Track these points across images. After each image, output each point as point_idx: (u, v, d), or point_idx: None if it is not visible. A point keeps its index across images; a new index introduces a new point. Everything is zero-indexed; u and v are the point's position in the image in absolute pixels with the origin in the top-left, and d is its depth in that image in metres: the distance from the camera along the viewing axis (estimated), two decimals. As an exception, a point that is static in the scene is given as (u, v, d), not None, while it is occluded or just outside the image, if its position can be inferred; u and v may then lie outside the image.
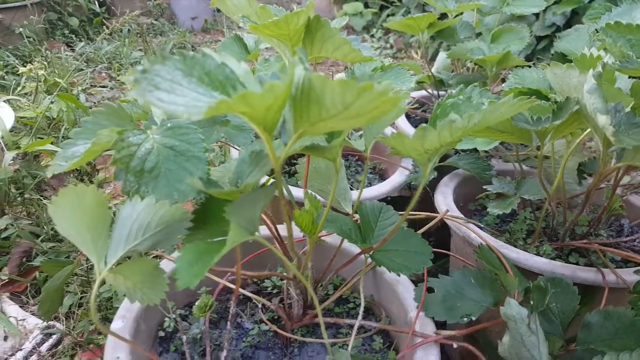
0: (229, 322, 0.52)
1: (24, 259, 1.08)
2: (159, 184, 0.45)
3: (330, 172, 0.70)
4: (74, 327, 0.94)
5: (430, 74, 1.05)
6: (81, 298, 0.99)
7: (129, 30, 2.72)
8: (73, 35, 2.72)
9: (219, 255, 0.38)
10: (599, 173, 0.61)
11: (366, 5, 3.25)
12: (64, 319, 0.96)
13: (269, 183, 0.46)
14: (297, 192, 0.82)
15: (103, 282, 0.45)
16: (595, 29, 0.70)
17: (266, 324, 0.61)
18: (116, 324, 0.56)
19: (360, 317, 0.57)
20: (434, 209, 0.80)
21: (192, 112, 0.27)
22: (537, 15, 2.04)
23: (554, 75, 0.57)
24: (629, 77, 0.66)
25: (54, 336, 0.90)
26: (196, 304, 0.56)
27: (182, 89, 0.31)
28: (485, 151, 0.94)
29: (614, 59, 0.67)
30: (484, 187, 0.77)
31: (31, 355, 0.87)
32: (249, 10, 0.56)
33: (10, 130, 1.34)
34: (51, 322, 0.93)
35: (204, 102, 0.30)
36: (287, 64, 0.43)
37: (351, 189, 0.86)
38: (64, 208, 0.41)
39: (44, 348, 0.88)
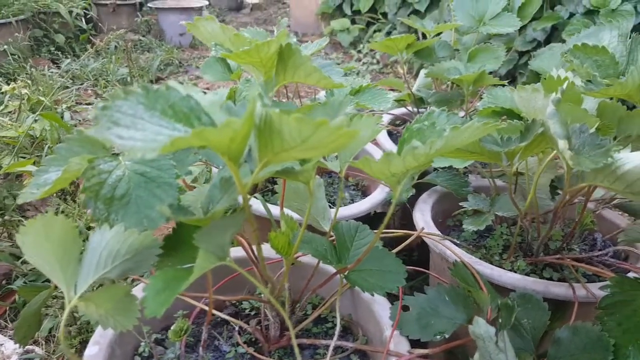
0: (201, 348, 0.52)
1: (4, 282, 1.07)
2: (129, 211, 0.45)
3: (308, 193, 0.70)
4: (54, 350, 0.93)
5: (410, 92, 1.06)
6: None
7: (115, 47, 2.73)
8: (59, 52, 2.72)
9: (187, 282, 0.39)
10: (565, 192, 0.63)
11: (353, 22, 3.29)
12: (43, 342, 0.95)
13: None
14: (277, 211, 0.83)
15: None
16: (563, 51, 0.72)
17: (243, 347, 0.61)
18: (91, 350, 0.56)
19: (336, 337, 0.57)
20: (414, 225, 0.81)
21: (148, 148, 0.28)
22: (519, 30, 2.08)
23: (520, 98, 0.58)
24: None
25: (33, 361, 0.89)
26: (172, 328, 0.56)
27: (144, 123, 0.32)
28: (465, 167, 0.96)
29: (581, 80, 0.69)
30: (461, 203, 0.78)
31: (9, 381, 0.86)
32: (223, 37, 0.57)
33: (-8, 150, 1.34)
34: (30, 347, 0.92)
35: (165, 136, 0.31)
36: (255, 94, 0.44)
37: (333, 208, 0.87)
38: (32, 238, 0.42)
39: (22, 373, 0.87)
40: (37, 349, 0.91)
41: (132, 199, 0.46)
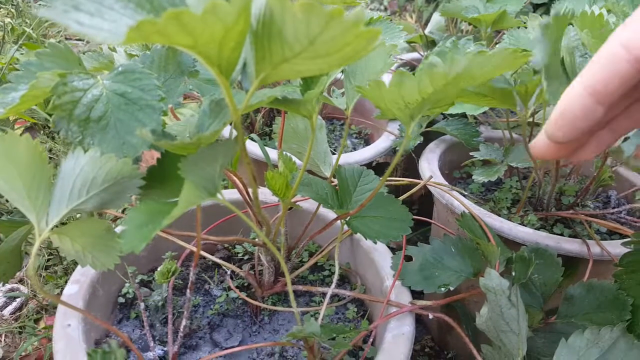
0: (188, 290, 0.48)
1: (-13, 219, 1.03)
2: (107, 135, 0.40)
3: (309, 132, 0.65)
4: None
5: (422, 34, 0.99)
6: (48, 260, 0.94)
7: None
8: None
9: (172, 217, 0.34)
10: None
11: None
12: (28, 281, 0.92)
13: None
14: (275, 155, 0.78)
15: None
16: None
17: (235, 292, 0.57)
18: (70, 289, 0.52)
19: (333, 285, 0.54)
20: (419, 177, 0.76)
21: (113, 36, 0.22)
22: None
23: (534, 29, 0.52)
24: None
25: (18, 299, 0.87)
26: (159, 269, 0.52)
27: (113, 14, 0.26)
28: (475, 118, 0.90)
29: (616, 18, 0.63)
30: (471, 153, 0.73)
31: (-7, 319, 0.83)
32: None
33: (-26, 83, 1.26)
34: (15, 285, 0.89)
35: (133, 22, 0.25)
36: None
37: (335, 154, 0.81)
38: (-6, 159, 0.36)
39: (6, 312, 0.85)
40: (22, 287, 0.88)
41: (110, 122, 0.40)
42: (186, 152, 0.37)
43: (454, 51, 0.43)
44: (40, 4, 2.12)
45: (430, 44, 0.99)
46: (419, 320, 0.89)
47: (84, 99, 0.40)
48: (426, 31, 1.01)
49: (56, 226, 0.40)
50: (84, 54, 0.66)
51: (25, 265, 0.92)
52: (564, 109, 0.28)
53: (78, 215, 0.52)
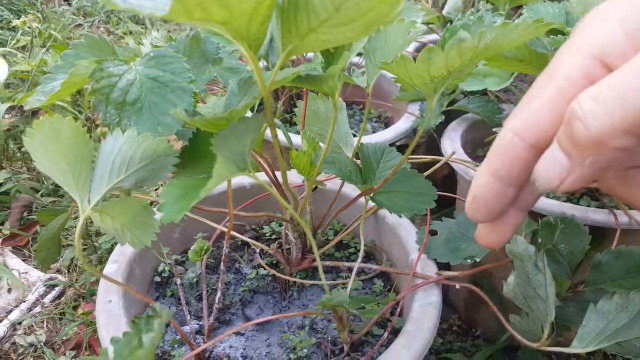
0: (222, 263, 0.50)
1: (25, 213, 1.08)
2: (142, 116, 0.42)
3: (330, 114, 0.66)
4: (76, 279, 0.94)
5: (439, 14, 0.99)
6: (83, 250, 0.98)
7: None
8: (70, -10, 2.63)
9: (206, 190, 0.36)
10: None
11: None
12: (66, 271, 0.96)
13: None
14: (297, 140, 0.79)
15: (91, 225, 0.43)
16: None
17: (264, 269, 0.59)
18: (109, 268, 0.54)
19: (359, 259, 0.55)
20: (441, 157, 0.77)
21: (158, 10, 0.24)
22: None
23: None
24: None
25: (57, 288, 0.91)
26: (192, 248, 0.54)
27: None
28: (496, 96, 0.90)
29: None
30: (494, 129, 0.73)
31: (35, 307, 0.87)
32: None
33: (7, 86, 1.31)
34: (53, 275, 0.93)
35: None
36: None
37: (356, 136, 0.82)
38: (40, 141, 0.39)
39: (47, 300, 0.89)
40: (60, 277, 0.92)
41: (144, 105, 0.43)
42: (217, 129, 0.39)
43: (478, 24, 0.44)
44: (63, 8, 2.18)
45: (449, 24, 0.99)
46: (446, 301, 0.90)
47: (119, 83, 0.43)
48: (444, 12, 1.01)
49: (97, 205, 0.43)
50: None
51: (63, 256, 0.96)
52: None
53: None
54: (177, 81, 0.43)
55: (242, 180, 0.68)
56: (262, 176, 0.65)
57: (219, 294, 0.50)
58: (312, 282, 0.57)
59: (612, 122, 0.21)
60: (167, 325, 0.53)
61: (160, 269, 0.59)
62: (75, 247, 0.43)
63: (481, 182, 0.28)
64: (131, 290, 0.48)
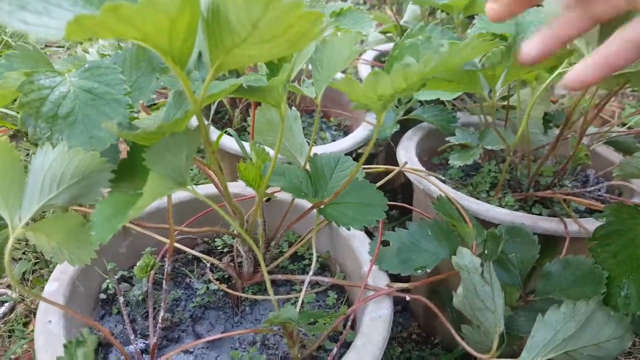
0: (164, 281, 0.48)
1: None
2: (75, 130, 0.40)
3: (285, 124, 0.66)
4: (27, 294, 0.90)
5: (397, 23, 0.99)
6: (35, 264, 0.94)
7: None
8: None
9: (136, 209, 0.34)
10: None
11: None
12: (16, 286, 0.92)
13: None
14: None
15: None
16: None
17: (215, 284, 0.58)
18: (50, 287, 0.52)
19: (312, 272, 0.54)
20: (398, 166, 0.77)
21: (56, 32, 0.23)
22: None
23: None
24: None
25: (6, 304, 0.87)
26: (137, 264, 0.52)
27: (61, 12, 0.26)
28: (452, 104, 0.91)
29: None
30: (447, 138, 0.74)
31: (-18, 324, 0.84)
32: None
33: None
34: (3, 290, 0.89)
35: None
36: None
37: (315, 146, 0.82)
38: (-37, 158, 0.37)
39: (-5, 316, 0.85)
40: (10, 292, 0.88)
41: (78, 118, 0.41)
42: (150, 143, 0.38)
43: (427, 44, 0.44)
44: None
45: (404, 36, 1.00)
46: (406, 308, 0.90)
47: (51, 96, 0.41)
48: (402, 21, 1.01)
49: (30, 223, 0.41)
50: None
51: (13, 270, 0.92)
52: None
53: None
54: (112, 93, 0.42)
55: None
56: (213, 188, 0.64)
57: (162, 314, 0.48)
58: (263, 297, 0.56)
59: None
60: (110, 346, 0.51)
61: (105, 286, 0.57)
62: (7, 271, 0.41)
63: None
64: (69, 310, 0.46)
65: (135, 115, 0.50)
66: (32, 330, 0.83)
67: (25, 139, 1.29)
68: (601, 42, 0.46)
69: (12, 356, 0.79)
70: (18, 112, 0.40)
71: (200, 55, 0.34)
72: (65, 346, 0.38)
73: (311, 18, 0.26)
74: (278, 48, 0.29)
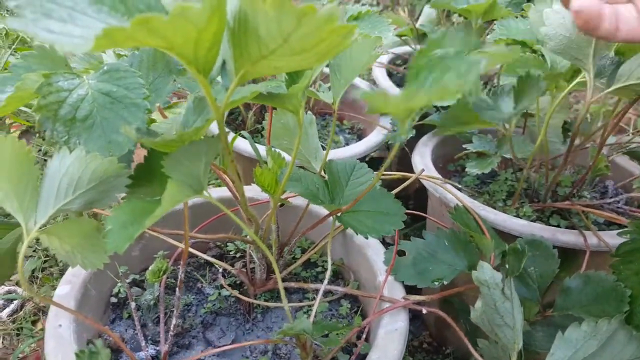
0: (177, 288, 0.48)
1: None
2: (93, 134, 0.40)
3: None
4: (37, 292, 0.90)
5: (413, 26, 0.98)
6: (44, 262, 0.94)
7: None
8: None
9: (153, 217, 0.33)
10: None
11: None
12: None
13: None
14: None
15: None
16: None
17: (227, 289, 0.57)
18: (62, 289, 0.52)
19: (326, 281, 0.53)
20: (412, 171, 0.76)
21: (82, 44, 0.22)
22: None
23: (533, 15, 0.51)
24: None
25: (15, 302, 0.87)
26: (150, 268, 0.52)
27: (86, 19, 0.25)
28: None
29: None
30: (464, 145, 0.73)
31: (-9, 321, 0.83)
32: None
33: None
34: (12, 288, 0.89)
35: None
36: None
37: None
38: (-22, 160, 0.36)
39: (4, 314, 0.85)
40: (19, 290, 0.88)
41: (96, 122, 0.40)
42: (169, 150, 0.37)
43: (458, 59, 0.42)
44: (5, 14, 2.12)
45: (421, 37, 0.98)
46: (417, 317, 0.89)
47: (69, 99, 0.40)
48: (417, 24, 1.00)
49: (45, 226, 0.40)
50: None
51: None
52: None
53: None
54: (130, 97, 0.41)
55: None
56: (226, 192, 0.63)
57: (174, 321, 0.48)
58: (275, 304, 0.55)
59: None
60: (120, 351, 0.50)
61: (116, 290, 0.56)
62: (19, 274, 0.41)
63: None
64: (80, 316, 0.45)
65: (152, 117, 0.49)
66: (41, 329, 0.83)
67: (37, 135, 1.29)
68: (595, 58, 0.46)
69: (20, 355, 0.79)
70: (34, 112, 0.39)
71: (223, 63, 0.33)
72: (77, 355, 0.38)
73: (343, 32, 0.25)
74: (307, 61, 0.28)
